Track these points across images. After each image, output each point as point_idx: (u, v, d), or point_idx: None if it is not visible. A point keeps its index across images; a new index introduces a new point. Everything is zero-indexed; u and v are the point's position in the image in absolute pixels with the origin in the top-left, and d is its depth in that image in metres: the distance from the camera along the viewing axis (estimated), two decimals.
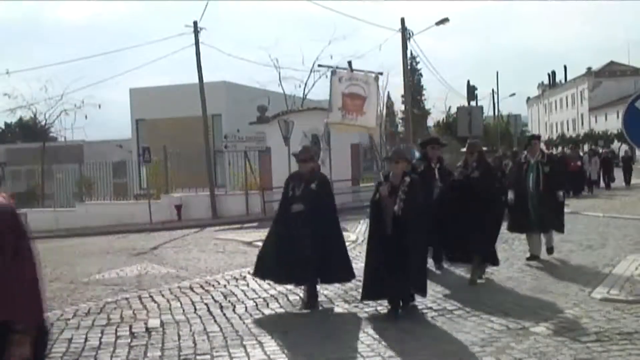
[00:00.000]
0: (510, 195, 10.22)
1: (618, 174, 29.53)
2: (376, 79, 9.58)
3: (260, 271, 7.93)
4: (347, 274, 7.83)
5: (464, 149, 9.43)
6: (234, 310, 7.69)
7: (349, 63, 10.03)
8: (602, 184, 27.82)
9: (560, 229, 10.47)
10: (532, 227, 10.16)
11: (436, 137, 10.53)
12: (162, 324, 7.29)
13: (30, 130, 53.76)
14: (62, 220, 23.59)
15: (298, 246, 7.48)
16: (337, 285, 8.35)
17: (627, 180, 29.01)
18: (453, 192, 8.97)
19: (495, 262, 9.09)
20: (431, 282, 8.73)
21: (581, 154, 30.61)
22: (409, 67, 34.35)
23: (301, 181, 7.80)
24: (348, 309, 7.59)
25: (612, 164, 29.90)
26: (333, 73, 9.41)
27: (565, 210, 17.12)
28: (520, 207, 10.17)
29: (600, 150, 37.69)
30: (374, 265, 7.17)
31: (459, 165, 9.29)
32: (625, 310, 6.81)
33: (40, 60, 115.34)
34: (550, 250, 10.29)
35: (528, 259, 10.07)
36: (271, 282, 8.36)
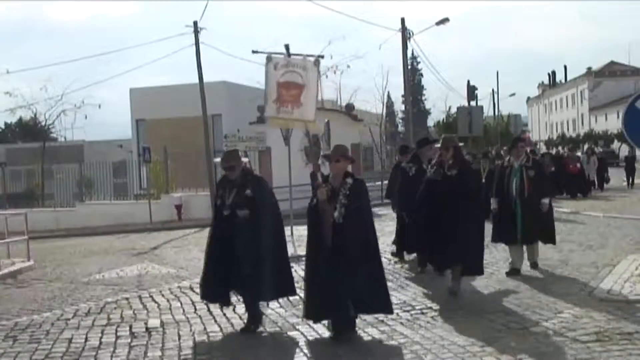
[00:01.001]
0: (494, 203, 9.42)
1: (619, 174, 29.13)
2: (316, 63, 8.17)
3: (206, 296, 7.23)
4: (288, 290, 7.03)
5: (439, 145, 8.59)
6: (234, 310, 7.69)
7: (286, 47, 8.54)
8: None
9: (549, 240, 9.62)
10: (514, 238, 9.24)
11: (426, 137, 10.05)
12: (162, 324, 7.29)
13: (30, 130, 53.77)
14: (62, 220, 23.58)
15: (236, 264, 6.70)
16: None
17: (630, 182, 27.57)
18: (429, 194, 8.20)
19: (478, 271, 8.25)
20: (431, 282, 8.76)
21: (579, 154, 29.74)
22: (409, 67, 34.35)
23: (233, 187, 6.89)
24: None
25: (606, 164, 28.60)
26: (268, 59, 7.97)
27: (566, 210, 17.01)
28: (503, 216, 9.31)
29: (596, 150, 37.27)
30: (314, 281, 6.30)
31: (433, 163, 8.44)
32: (625, 310, 6.81)
33: (40, 60, 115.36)
34: (533, 265, 9.40)
35: (508, 273, 9.08)
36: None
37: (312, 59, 8.13)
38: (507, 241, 9.48)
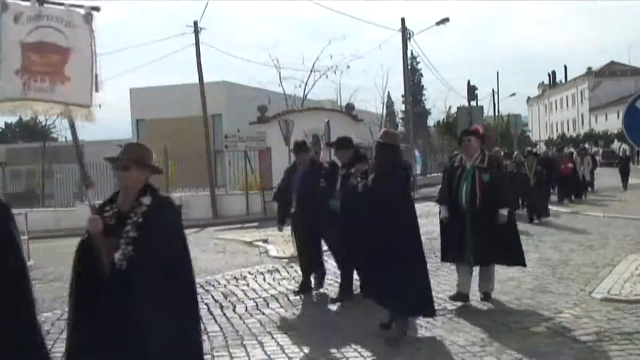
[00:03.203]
0: (444, 212, 7.60)
1: (615, 175, 28.64)
2: (88, 18, 4.70)
3: None
4: None
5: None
6: (234, 310, 7.68)
7: None
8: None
9: (516, 261, 7.69)
10: (462, 256, 7.38)
11: (344, 137, 8.21)
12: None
13: (30, 130, 53.81)
14: (62, 220, 23.56)
15: None
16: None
17: (624, 183, 26.65)
18: (348, 208, 6.80)
19: (426, 311, 6.46)
20: (431, 281, 8.74)
21: (572, 150, 28.67)
22: (409, 67, 34.35)
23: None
24: (348, 310, 7.58)
25: (596, 164, 27.71)
26: (3, 7, 4.46)
27: (565, 210, 16.92)
28: (451, 228, 7.45)
29: (591, 150, 36.84)
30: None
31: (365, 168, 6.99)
32: (626, 310, 6.81)
33: None
34: (485, 296, 7.55)
35: (452, 297, 7.48)
36: (271, 282, 8.27)
37: (81, 11, 4.77)
38: (454, 259, 7.61)
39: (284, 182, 8.87)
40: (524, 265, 7.79)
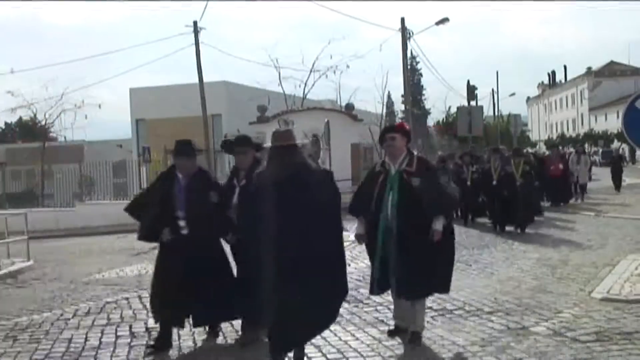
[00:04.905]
0: (359, 227, 6.04)
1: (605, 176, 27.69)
2: None
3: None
4: None
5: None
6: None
7: None
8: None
9: (440, 288, 6.17)
10: (387, 284, 5.96)
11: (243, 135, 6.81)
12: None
13: (30, 130, 53.73)
14: (62, 220, 23.55)
15: None
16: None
17: (617, 184, 25.33)
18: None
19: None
20: None
21: (567, 149, 28.19)
22: (409, 67, 34.36)
23: None
24: (349, 310, 7.58)
25: (590, 164, 25.10)
26: None
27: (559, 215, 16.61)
28: (374, 249, 5.93)
29: (591, 150, 36.34)
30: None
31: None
32: (625, 310, 6.81)
33: (40, 60, 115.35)
34: (413, 336, 5.95)
35: (390, 332, 6.24)
36: None
37: None
38: (383, 288, 6.05)
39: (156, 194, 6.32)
40: (447, 292, 6.30)
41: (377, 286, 5.98)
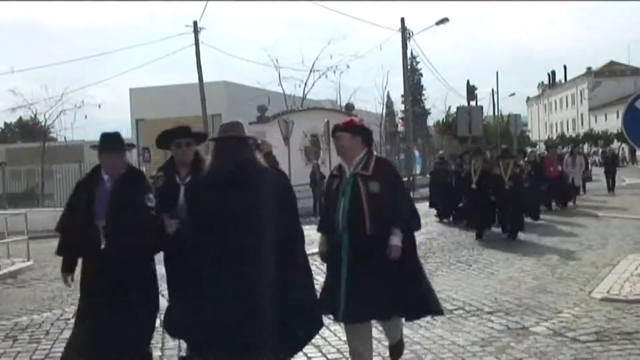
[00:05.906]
0: (322, 245, 5.12)
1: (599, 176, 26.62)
2: None
3: None
4: None
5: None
6: None
7: None
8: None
9: (432, 310, 5.24)
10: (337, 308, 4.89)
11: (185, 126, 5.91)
12: (162, 323, 7.25)
13: (30, 130, 53.73)
14: None
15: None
16: None
17: (610, 185, 24.01)
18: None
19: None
20: (431, 281, 8.73)
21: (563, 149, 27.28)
22: (409, 67, 34.38)
23: None
24: None
25: (587, 165, 24.22)
26: None
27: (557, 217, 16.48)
28: (330, 267, 4.98)
29: (590, 150, 35.93)
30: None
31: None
32: (625, 310, 6.80)
33: (40, 60, 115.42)
34: (391, 350, 5.26)
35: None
36: None
37: None
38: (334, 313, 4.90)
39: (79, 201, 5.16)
40: (412, 320, 5.40)
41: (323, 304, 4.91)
